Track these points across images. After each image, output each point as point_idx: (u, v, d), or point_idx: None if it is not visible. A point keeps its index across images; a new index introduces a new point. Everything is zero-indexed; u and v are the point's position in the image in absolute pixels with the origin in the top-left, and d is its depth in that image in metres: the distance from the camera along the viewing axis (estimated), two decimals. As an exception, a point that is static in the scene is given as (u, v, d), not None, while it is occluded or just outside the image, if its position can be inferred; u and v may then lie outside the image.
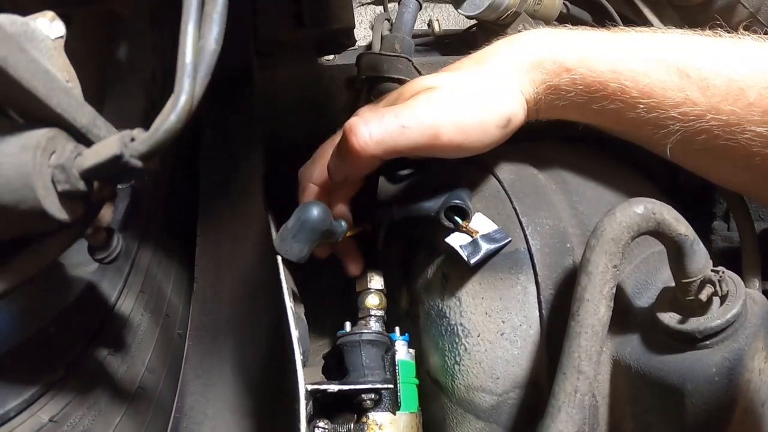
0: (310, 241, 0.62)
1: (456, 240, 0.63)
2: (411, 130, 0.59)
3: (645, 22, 1.00)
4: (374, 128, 0.59)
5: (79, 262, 0.58)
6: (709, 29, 0.62)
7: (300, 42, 0.86)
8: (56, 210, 0.35)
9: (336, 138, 0.69)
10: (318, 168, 0.69)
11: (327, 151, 0.69)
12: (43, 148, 0.34)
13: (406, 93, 0.65)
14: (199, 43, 0.38)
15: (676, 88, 0.59)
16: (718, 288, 0.55)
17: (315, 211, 0.61)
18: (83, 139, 0.38)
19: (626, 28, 0.65)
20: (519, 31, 0.72)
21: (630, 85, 0.61)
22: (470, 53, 0.69)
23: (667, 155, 0.64)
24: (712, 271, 0.55)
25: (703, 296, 0.55)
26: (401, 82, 0.85)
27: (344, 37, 0.90)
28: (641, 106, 0.61)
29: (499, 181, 0.69)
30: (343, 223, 0.66)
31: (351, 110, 0.86)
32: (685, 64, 0.59)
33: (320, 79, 0.88)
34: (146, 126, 0.36)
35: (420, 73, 0.86)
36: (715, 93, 0.58)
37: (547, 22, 0.98)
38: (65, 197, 0.36)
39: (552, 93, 0.64)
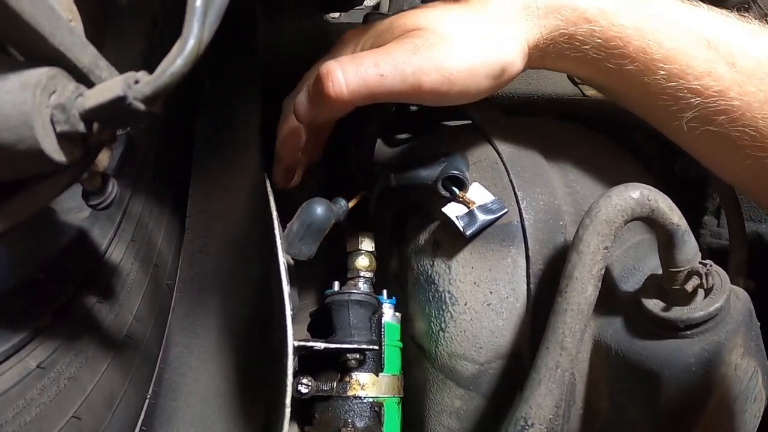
0: (317, 240, 0.63)
1: (452, 210, 0.63)
2: (391, 78, 0.55)
3: None
4: (351, 75, 0.55)
5: (71, 207, 0.57)
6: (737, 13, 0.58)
7: (306, -4, 0.84)
8: (54, 151, 0.35)
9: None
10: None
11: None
12: (43, 86, 0.33)
13: (395, 29, 0.59)
14: (210, -13, 0.37)
15: (701, 57, 0.55)
16: (704, 281, 0.56)
17: (318, 211, 0.62)
18: (84, 79, 0.37)
19: None
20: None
21: (653, 46, 0.56)
22: None
23: (678, 134, 0.60)
24: (700, 263, 0.56)
25: (689, 287, 0.56)
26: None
27: (351, -5, 0.88)
28: (662, 72, 0.56)
29: (498, 153, 0.69)
30: (343, 202, 0.66)
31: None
32: (713, 36, 0.55)
33: (325, 36, 0.87)
34: (145, 70, 0.36)
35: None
36: (741, 72, 0.54)
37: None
38: (64, 138, 0.35)
39: (566, 42, 0.58)
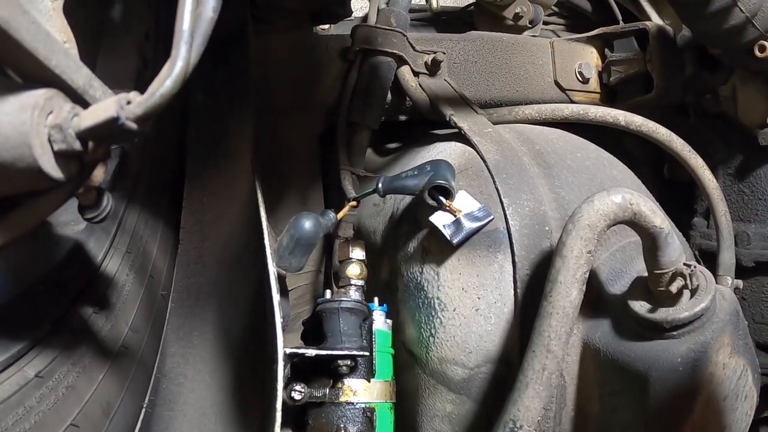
0: (306, 253, 0.64)
1: (439, 219, 0.65)
2: None
3: (644, 16, 1.00)
4: None
5: (67, 221, 0.58)
6: None
7: (296, 9, 0.85)
8: (52, 168, 0.36)
9: None
10: None
11: None
12: (41, 108, 0.35)
13: None
14: (197, 11, 0.38)
15: None
16: (688, 281, 0.57)
17: (307, 226, 0.64)
18: (79, 99, 0.38)
19: None
20: (517, 14, 0.70)
21: None
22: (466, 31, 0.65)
23: None
24: (685, 264, 0.57)
25: (674, 288, 0.57)
26: (395, 56, 0.85)
27: (340, 7, 0.89)
28: None
29: (484, 161, 0.71)
30: (331, 214, 0.68)
31: (343, 81, 0.87)
32: None
33: (314, 48, 0.88)
34: (138, 85, 0.37)
35: (414, 48, 0.86)
36: None
37: (546, 6, 0.98)
38: (61, 156, 0.36)
39: None
